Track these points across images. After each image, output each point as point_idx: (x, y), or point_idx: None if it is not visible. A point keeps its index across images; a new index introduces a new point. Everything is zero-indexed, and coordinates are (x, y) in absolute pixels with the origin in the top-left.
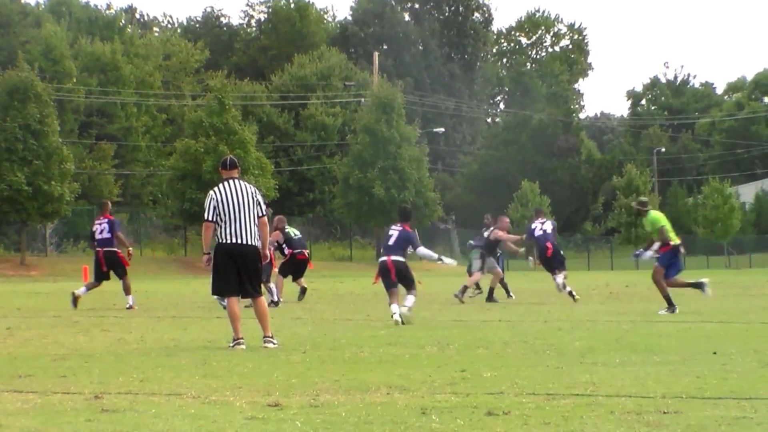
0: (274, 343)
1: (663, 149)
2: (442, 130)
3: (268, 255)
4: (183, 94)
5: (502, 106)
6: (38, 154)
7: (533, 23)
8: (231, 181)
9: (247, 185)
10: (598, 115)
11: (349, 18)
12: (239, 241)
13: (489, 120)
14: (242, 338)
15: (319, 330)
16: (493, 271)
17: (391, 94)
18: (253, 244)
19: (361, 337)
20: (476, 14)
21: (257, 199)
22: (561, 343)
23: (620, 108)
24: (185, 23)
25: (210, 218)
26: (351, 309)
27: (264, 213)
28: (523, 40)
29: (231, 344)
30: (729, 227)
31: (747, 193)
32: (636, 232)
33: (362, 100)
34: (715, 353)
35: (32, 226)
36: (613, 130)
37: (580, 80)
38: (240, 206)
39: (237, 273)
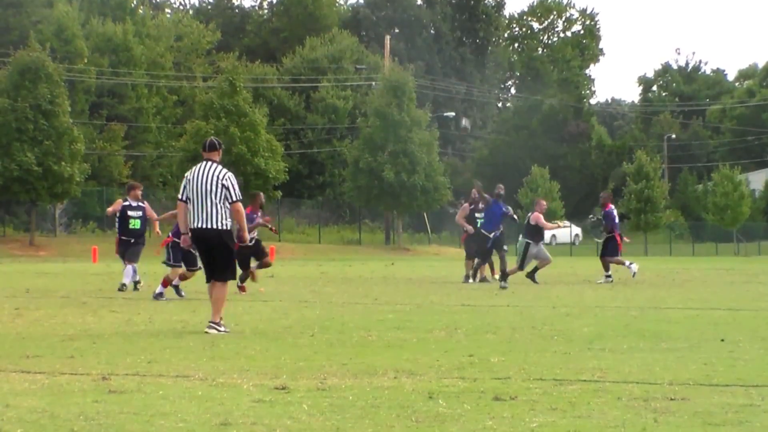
0: (218, 330)
1: (674, 136)
2: (453, 114)
3: (246, 238)
4: (194, 75)
5: (513, 91)
6: (49, 134)
7: (545, 8)
8: (205, 164)
9: (217, 168)
10: (609, 101)
11: (361, 1)
12: (198, 225)
13: (500, 105)
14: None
15: (327, 313)
16: (541, 255)
17: (402, 77)
18: (212, 227)
19: (369, 321)
20: None
21: (223, 184)
22: (569, 329)
23: (631, 94)
24: (197, 5)
25: (181, 197)
26: (359, 293)
27: (234, 198)
28: (535, 25)
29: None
30: (739, 214)
31: (757, 180)
32: (646, 218)
33: (373, 83)
34: (722, 340)
35: (42, 206)
36: (624, 116)
37: (592, 66)
38: (202, 190)
39: (204, 256)
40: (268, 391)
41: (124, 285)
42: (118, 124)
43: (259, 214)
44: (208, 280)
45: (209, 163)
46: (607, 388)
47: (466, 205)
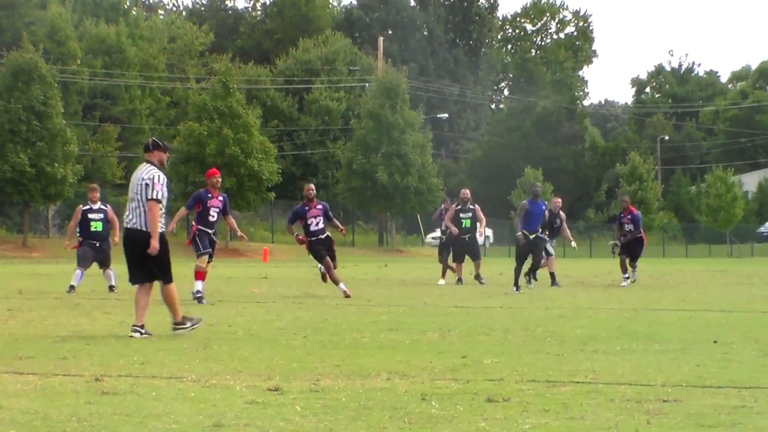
0: (141, 334)
1: (667, 137)
2: (446, 115)
3: (154, 245)
4: (187, 77)
5: (506, 92)
6: (42, 135)
7: (538, 10)
8: (141, 165)
9: (146, 168)
10: (603, 102)
11: (354, 2)
12: (124, 225)
13: (493, 106)
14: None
15: (320, 315)
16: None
17: (395, 79)
18: (134, 228)
19: (363, 322)
20: (481, 0)
21: (144, 182)
22: (562, 330)
23: (624, 95)
24: (190, 6)
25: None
26: (353, 294)
27: (151, 196)
28: (528, 27)
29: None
30: (732, 216)
31: (750, 182)
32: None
33: (366, 85)
34: (715, 342)
35: (35, 207)
36: (617, 118)
37: (585, 67)
38: (132, 191)
39: (134, 258)
40: (261, 392)
41: (72, 287)
42: (112, 125)
43: (314, 206)
44: (134, 282)
45: (144, 164)
46: (600, 390)
47: (453, 206)
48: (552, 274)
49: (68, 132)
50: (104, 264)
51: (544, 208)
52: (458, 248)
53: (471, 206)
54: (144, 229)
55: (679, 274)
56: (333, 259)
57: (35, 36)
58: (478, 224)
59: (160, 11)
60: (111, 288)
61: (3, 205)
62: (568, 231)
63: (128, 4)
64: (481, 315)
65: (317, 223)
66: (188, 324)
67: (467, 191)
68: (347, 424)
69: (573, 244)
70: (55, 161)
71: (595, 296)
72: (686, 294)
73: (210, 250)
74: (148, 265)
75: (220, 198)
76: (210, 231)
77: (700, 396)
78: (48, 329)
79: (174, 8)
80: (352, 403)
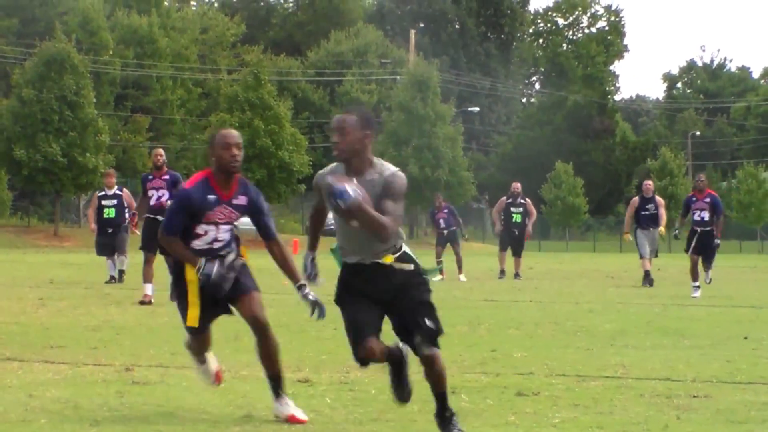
0: None
1: (698, 133)
2: (477, 109)
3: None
4: (219, 68)
5: (537, 86)
6: (74, 125)
7: (570, 4)
8: None
9: None
10: (634, 97)
11: None
12: None
13: (524, 100)
14: None
15: None
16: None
17: (426, 72)
18: None
19: None
20: None
21: None
22: (592, 325)
23: (656, 91)
24: None
25: None
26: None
27: None
28: (560, 21)
29: None
30: (763, 212)
31: None
32: (669, 215)
33: (398, 77)
34: (746, 338)
35: (66, 197)
36: (648, 113)
37: (616, 62)
38: None
39: None
40: (291, 383)
41: (113, 277)
42: (143, 115)
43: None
44: None
45: None
46: (629, 385)
47: (503, 199)
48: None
49: (100, 122)
50: (117, 250)
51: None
52: (506, 240)
53: (522, 200)
54: None
55: None
56: None
57: (68, 26)
58: (527, 219)
59: (192, 2)
60: (112, 277)
61: (35, 194)
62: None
63: None
64: (511, 309)
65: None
66: None
67: (518, 185)
68: (377, 416)
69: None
70: (86, 151)
71: (625, 291)
72: (717, 290)
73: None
74: None
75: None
76: None
77: (730, 392)
78: (79, 319)
79: (205, 0)
80: (381, 395)
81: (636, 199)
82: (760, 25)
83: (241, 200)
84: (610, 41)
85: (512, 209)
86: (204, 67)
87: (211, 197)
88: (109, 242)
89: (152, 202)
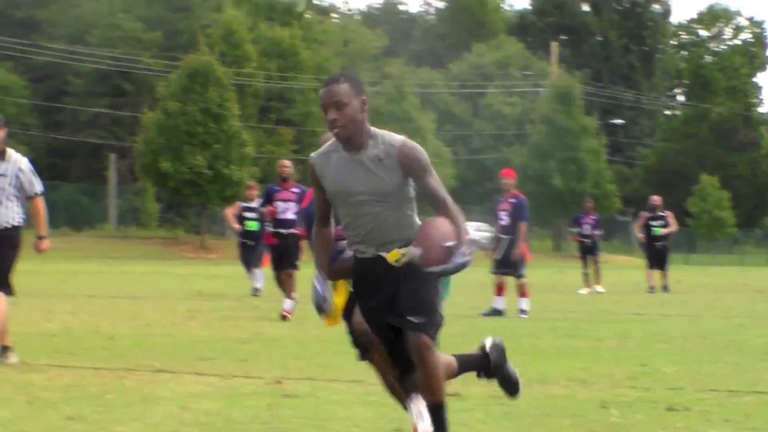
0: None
1: None
2: (623, 122)
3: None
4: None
5: (680, 98)
6: (218, 137)
7: (713, 15)
8: None
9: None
10: None
11: (528, 7)
12: None
13: (668, 112)
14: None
15: (498, 321)
16: None
17: (569, 84)
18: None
19: (540, 328)
20: (655, 5)
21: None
22: (742, 339)
23: None
24: (365, 10)
25: None
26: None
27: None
28: (703, 33)
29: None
30: None
31: None
32: None
33: (540, 90)
34: None
35: (211, 209)
36: None
37: (759, 74)
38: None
39: None
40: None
41: (256, 289)
42: (287, 128)
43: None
44: None
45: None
46: None
47: (644, 213)
48: None
49: (244, 134)
50: (255, 264)
51: None
52: (650, 255)
53: (662, 213)
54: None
55: None
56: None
57: (211, 38)
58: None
59: (334, 15)
60: (256, 288)
61: (181, 206)
62: None
63: (302, 8)
64: (659, 322)
65: None
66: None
67: (657, 198)
68: (527, 430)
69: None
70: (231, 163)
71: None
72: None
73: None
74: None
75: None
76: None
77: None
78: (227, 331)
79: (348, 11)
80: (531, 409)
81: None
82: None
83: None
84: (754, 53)
85: (651, 223)
86: None
87: None
88: (247, 255)
89: (280, 215)
